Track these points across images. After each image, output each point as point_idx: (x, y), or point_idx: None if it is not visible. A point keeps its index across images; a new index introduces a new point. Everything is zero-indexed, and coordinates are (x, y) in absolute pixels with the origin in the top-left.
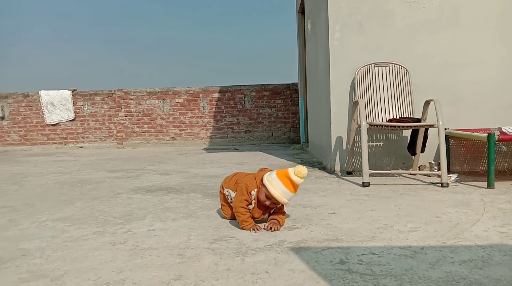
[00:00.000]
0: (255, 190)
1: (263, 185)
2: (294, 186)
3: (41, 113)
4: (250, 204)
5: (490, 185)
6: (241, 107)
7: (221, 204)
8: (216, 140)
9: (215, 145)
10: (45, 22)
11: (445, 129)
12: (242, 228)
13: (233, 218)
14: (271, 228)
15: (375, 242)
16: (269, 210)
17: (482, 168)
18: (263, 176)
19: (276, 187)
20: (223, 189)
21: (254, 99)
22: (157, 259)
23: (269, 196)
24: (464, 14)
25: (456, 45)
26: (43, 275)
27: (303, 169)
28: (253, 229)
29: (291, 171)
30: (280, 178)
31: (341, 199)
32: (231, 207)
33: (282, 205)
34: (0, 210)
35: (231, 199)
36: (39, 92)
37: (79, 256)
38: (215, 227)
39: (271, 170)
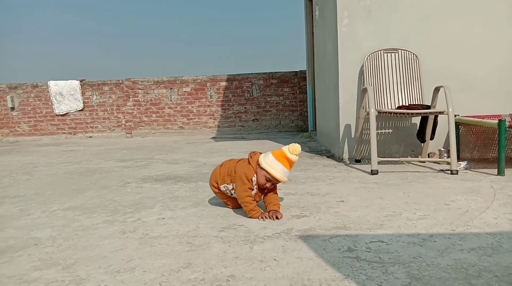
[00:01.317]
0: (255, 175)
1: (262, 168)
2: (291, 164)
3: (50, 104)
4: (252, 189)
5: (500, 172)
6: (248, 95)
7: (222, 200)
8: (224, 129)
9: (223, 134)
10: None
11: (455, 115)
12: (250, 217)
13: (239, 206)
14: (276, 217)
15: (384, 230)
16: (264, 191)
17: (492, 155)
18: (257, 159)
19: (276, 168)
20: (216, 188)
21: (261, 87)
22: (166, 247)
23: (270, 178)
24: (475, 0)
25: (467, 31)
26: (54, 263)
27: (297, 147)
28: (261, 217)
29: (286, 150)
30: (278, 158)
31: (350, 187)
32: (233, 199)
33: (275, 184)
34: (12, 199)
35: (231, 192)
36: (48, 82)
37: (90, 245)
38: (223, 215)
39: (262, 153)
